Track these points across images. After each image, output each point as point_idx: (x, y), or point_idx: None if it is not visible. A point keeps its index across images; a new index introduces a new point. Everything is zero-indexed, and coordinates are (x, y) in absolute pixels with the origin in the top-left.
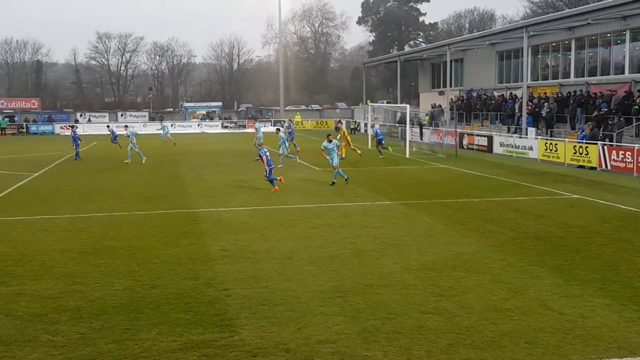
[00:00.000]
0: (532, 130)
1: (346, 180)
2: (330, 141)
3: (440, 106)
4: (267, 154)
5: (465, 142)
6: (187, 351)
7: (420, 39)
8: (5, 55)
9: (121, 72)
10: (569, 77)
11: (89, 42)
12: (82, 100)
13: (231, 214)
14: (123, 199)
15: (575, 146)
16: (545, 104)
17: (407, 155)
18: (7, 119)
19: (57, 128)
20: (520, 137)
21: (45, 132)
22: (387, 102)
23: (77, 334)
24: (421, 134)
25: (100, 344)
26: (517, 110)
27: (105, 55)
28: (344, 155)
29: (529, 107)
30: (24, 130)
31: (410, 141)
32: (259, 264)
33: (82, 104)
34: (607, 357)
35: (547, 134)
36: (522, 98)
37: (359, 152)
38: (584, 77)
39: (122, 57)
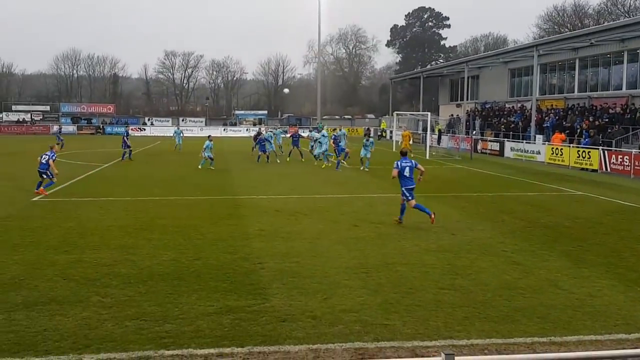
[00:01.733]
0: (539, 137)
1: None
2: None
3: (457, 116)
4: None
5: (479, 147)
6: (222, 315)
7: (441, 60)
8: (88, 69)
9: (184, 85)
10: (573, 92)
11: (158, 59)
12: (151, 108)
13: (269, 201)
14: (178, 187)
15: (578, 151)
16: (551, 114)
17: (427, 157)
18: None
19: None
20: (529, 143)
21: (119, 132)
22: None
23: (125, 297)
24: (439, 139)
25: (144, 305)
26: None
27: (171, 71)
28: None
29: (537, 118)
30: (101, 130)
31: (430, 146)
32: (291, 243)
33: (150, 111)
34: (616, 332)
35: (550, 141)
36: (531, 109)
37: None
38: (586, 92)
39: (185, 72)
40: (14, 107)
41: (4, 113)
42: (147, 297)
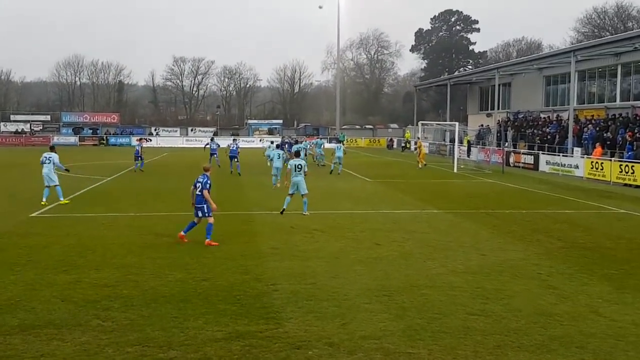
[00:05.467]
0: (577, 150)
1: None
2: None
3: (488, 127)
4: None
5: (511, 160)
6: (231, 341)
7: (470, 66)
8: (91, 76)
9: (193, 92)
10: (615, 101)
11: (166, 65)
12: (158, 117)
13: (284, 217)
14: (185, 202)
15: (621, 165)
16: (590, 125)
17: (455, 170)
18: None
19: (134, 140)
20: (566, 156)
21: (123, 143)
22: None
23: (127, 320)
24: (468, 151)
25: (147, 330)
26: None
27: (180, 77)
28: (423, 164)
29: (575, 129)
30: (104, 141)
31: (458, 158)
32: (308, 262)
33: (157, 120)
34: None
35: (590, 154)
36: (568, 120)
37: (424, 162)
38: (629, 101)
39: (194, 79)
40: (12, 117)
41: (1, 123)
42: (150, 320)
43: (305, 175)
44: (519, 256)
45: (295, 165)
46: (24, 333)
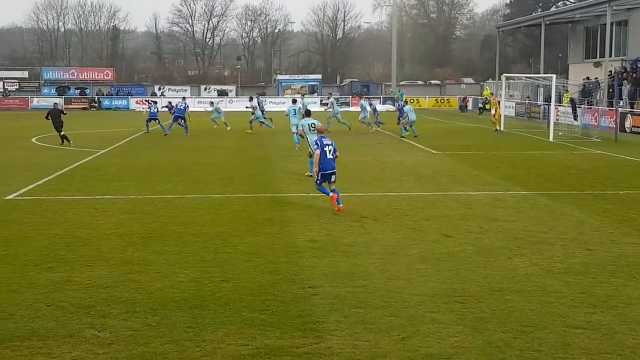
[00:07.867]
0: None
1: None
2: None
3: (596, 80)
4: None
5: (628, 123)
6: (259, 357)
7: (572, 0)
8: (78, 20)
9: (207, 40)
10: None
11: (172, 6)
12: (163, 73)
13: (324, 200)
14: (199, 180)
15: None
16: None
17: (551, 139)
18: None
19: (133, 103)
20: None
21: (120, 107)
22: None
23: (129, 331)
24: (574, 112)
25: (154, 343)
26: None
27: (190, 21)
28: (499, 128)
29: None
30: (96, 105)
31: (555, 122)
32: (356, 259)
33: (162, 77)
34: None
35: None
36: None
37: (498, 127)
38: None
39: (208, 23)
40: None
41: None
42: (158, 331)
43: None
44: (639, 251)
45: (309, 124)
46: (1, 346)
